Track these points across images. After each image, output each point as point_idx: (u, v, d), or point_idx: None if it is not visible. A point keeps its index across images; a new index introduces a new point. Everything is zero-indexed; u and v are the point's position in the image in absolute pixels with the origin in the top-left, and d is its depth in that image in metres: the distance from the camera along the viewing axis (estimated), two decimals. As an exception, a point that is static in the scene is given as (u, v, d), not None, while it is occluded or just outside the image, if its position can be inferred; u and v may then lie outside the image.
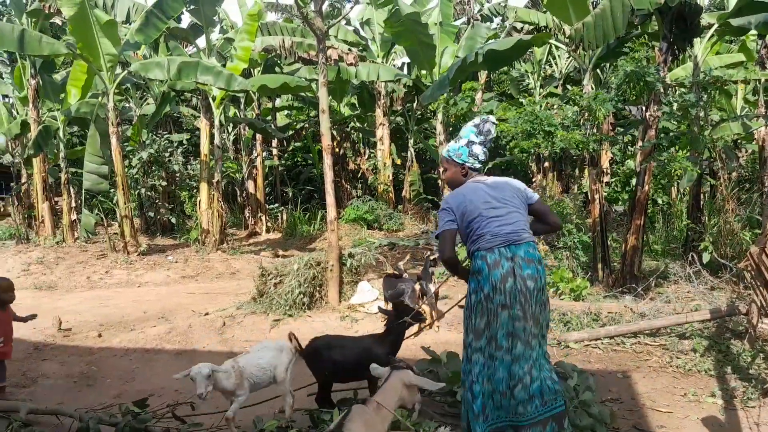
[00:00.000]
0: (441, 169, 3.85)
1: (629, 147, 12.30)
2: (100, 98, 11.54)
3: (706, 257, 6.82)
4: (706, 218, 8.08)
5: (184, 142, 15.63)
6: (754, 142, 11.46)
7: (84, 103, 11.53)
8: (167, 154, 12.67)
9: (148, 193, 12.47)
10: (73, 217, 11.96)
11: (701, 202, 8.00)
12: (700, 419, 3.77)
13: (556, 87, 13.72)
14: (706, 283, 6.36)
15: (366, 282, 7.27)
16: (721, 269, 6.67)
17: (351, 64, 11.20)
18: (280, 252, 10.73)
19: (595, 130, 7.74)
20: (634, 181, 8.54)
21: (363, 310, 6.71)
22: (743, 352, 4.76)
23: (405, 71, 14.27)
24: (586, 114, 7.48)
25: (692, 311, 5.47)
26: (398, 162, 14.83)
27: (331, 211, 6.94)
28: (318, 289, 6.87)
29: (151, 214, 12.85)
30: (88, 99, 11.72)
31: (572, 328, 5.66)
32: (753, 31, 8.77)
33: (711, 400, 4.05)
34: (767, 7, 7.27)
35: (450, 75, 8.93)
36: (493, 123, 3.35)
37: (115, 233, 11.40)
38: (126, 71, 10.91)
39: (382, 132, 14.06)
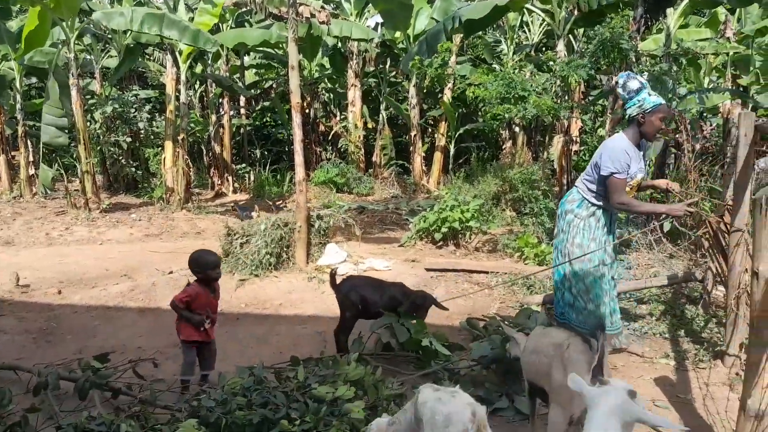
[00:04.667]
0: (643, 123, 3.94)
1: (599, 117, 12.42)
2: (59, 48, 11.04)
3: (667, 226, 6.97)
4: (669, 188, 8.25)
5: (152, 99, 15.13)
6: (719, 116, 11.68)
7: (41, 52, 11.01)
8: (132, 110, 12.25)
9: (112, 149, 12.08)
10: (31, 171, 11.54)
11: (665, 173, 8.15)
12: (653, 379, 3.92)
13: (529, 53, 13.67)
14: (666, 251, 6.54)
15: (334, 244, 7.25)
16: (681, 238, 6.85)
17: (323, 22, 10.91)
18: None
19: (566, 98, 7.77)
20: (600, 150, 8.63)
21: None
22: (697, 316, 4.94)
23: (378, 32, 14.00)
24: (558, 81, 7.49)
25: (651, 277, 5.63)
26: (370, 125, 14.68)
27: (300, 172, 6.85)
28: (285, 249, 6.82)
29: (115, 170, 12.50)
30: (46, 48, 11.19)
31: (535, 292, 5.78)
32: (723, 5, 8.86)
33: (664, 361, 4.21)
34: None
35: (429, 41, 8.84)
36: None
37: (76, 189, 11.07)
38: (87, 20, 10.43)
39: (354, 94, 13.84)
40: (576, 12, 8.02)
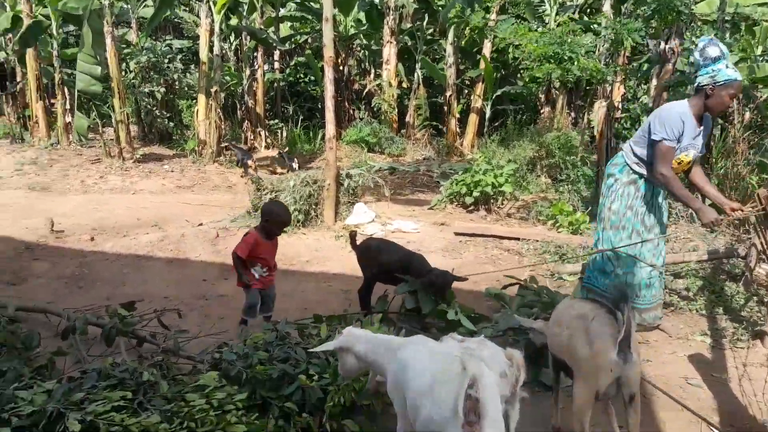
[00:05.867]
0: (711, 95, 3.58)
1: (643, 84, 11.91)
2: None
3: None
4: (714, 160, 7.89)
5: (184, 49, 15.04)
6: (771, 86, 11.05)
7: (78, -1, 10.97)
8: (166, 61, 12.20)
9: (146, 99, 12.11)
10: (68, 119, 11.68)
11: (710, 144, 7.78)
12: (686, 356, 3.78)
13: (574, 13, 13.09)
14: (707, 224, 6.26)
15: (363, 203, 7.18)
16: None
17: (360, -25, 10.62)
18: (278, 168, 10.58)
19: (611, 61, 7.42)
20: (644, 118, 8.28)
21: (358, 231, 6.65)
22: (737, 294, 4.74)
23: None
24: (607, 44, 7.13)
25: (690, 251, 5.42)
26: (405, 84, 14.34)
27: (330, 128, 6.74)
28: (314, 207, 6.79)
29: (149, 121, 12.57)
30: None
31: (567, 261, 5.63)
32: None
33: (700, 339, 4.05)
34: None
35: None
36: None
37: (110, 138, 11.19)
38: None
39: (389, 51, 13.51)
40: None
